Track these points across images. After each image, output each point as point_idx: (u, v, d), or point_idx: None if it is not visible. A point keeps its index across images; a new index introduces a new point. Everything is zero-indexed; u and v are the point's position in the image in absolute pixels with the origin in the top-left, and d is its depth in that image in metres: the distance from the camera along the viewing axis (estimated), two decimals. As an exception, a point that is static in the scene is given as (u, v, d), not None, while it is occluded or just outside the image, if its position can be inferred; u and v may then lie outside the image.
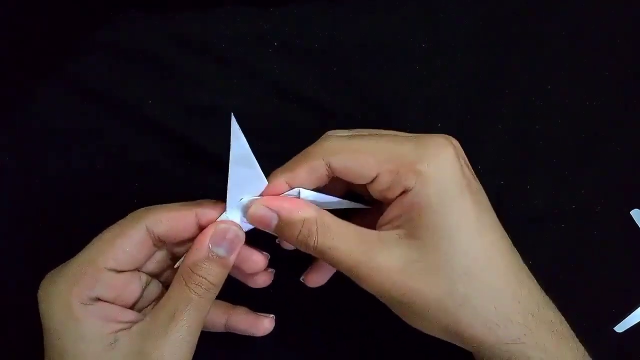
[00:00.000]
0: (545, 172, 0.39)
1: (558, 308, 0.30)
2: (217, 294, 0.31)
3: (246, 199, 0.31)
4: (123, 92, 0.40)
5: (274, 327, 0.35)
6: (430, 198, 0.27)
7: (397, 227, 0.29)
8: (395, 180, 0.28)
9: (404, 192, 0.28)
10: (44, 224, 0.39)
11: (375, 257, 0.28)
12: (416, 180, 0.28)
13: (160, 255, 0.33)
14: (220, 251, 0.30)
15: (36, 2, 0.41)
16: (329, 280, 0.36)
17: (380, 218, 0.30)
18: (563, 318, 0.30)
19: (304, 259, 0.38)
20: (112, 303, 0.30)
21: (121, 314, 0.30)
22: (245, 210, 0.31)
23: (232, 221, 0.31)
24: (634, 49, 0.41)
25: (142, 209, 0.32)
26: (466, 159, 0.31)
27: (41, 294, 0.29)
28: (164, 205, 0.32)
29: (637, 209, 0.39)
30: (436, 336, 0.29)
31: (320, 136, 0.32)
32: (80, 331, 0.28)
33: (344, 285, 0.34)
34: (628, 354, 0.38)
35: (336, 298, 0.38)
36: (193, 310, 0.29)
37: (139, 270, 0.32)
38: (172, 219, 0.31)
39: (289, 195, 0.31)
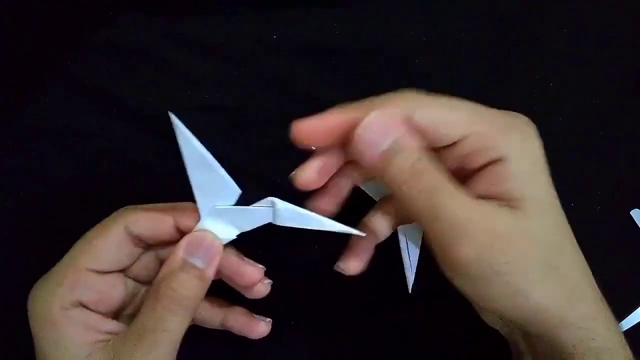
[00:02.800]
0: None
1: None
2: (195, 309, 0.29)
3: (222, 206, 0.29)
4: (123, 91, 0.40)
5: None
6: (526, 168, 0.27)
7: (492, 197, 0.27)
8: (485, 146, 0.26)
9: (491, 162, 0.27)
10: (44, 224, 0.39)
11: (481, 221, 0.26)
12: (512, 148, 0.26)
13: (148, 260, 0.32)
14: (197, 262, 0.28)
15: (36, 2, 0.41)
16: (330, 283, 0.36)
17: (468, 189, 0.28)
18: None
19: (301, 267, 0.38)
20: (95, 310, 0.29)
21: (102, 324, 0.29)
22: (225, 218, 0.29)
23: (208, 230, 0.29)
24: (634, 49, 0.41)
25: (124, 208, 0.31)
26: None
27: (29, 299, 0.29)
28: (145, 205, 0.31)
29: (637, 209, 0.39)
30: (509, 317, 0.27)
31: None
32: (60, 338, 0.28)
33: (344, 287, 0.34)
34: (628, 354, 0.38)
35: (336, 302, 0.38)
36: (163, 330, 0.27)
37: (125, 275, 0.31)
38: (150, 220, 0.30)
39: (260, 206, 0.29)
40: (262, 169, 0.39)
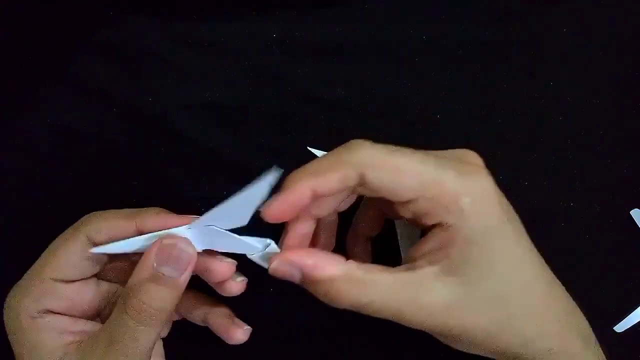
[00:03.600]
0: (544, 170, 0.39)
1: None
2: (168, 317, 0.28)
3: (217, 227, 0.28)
4: (123, 91, 0.40)
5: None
6: (471, 235, 0.26)
7: (434, 262, 0.27)
8: (434, 210, 0.26)
9: (440, 225, 0.27)
10: (44, 224, 0.39)
11: (417, 300, 0.27)
12: (458, 216, 0.26)
13: (120, 263, 0.31)
14: (168, 271, 0.27)
15: (36, 2, 0.41)
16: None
17: (413, 249, 0.28)
18: (587, 323, 0.30)
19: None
20: (66, 314, 0.29)
21: (74, 325, 0.29)
22: (211, 237, 0.28)
23: (180, 236, 0.28)
24: (634, 49, 0.41)
25: (86, 215, 0.30)
26: None
27: (4, 306, 0.30)
28: (106, 212, 0.30)
29: (637, 209, 0.39)
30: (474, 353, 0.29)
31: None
32: (33, 344, 0.28)
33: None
34: (628, 354, 0.38)
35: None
36: (132, 340, 0.27)
37: (99, 278, 0.31)
38: (111, 227, 0.29)
39: (177, 232, 0.28)
40: (263, 168, 0.39)
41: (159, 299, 0.27)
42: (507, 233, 0.27)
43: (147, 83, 0.40)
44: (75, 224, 0.30)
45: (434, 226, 0.27)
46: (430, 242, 0.27)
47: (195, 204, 0.38)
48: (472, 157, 0.29)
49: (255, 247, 0.29)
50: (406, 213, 0.27)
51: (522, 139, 0.40)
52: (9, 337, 0.29)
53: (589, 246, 0.39)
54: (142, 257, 0.28)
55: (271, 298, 0.37)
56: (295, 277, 0.27)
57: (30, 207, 0.39)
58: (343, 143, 0.39)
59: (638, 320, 0.38)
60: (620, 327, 0.38)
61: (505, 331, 0.27)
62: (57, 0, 0.41)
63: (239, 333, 0.32)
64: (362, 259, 0.35)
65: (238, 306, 0.35)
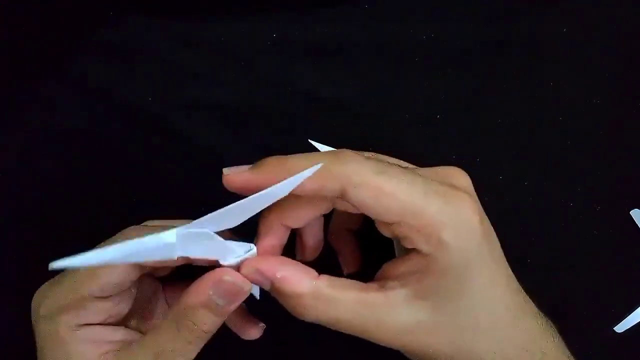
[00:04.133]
0: (544, 170, 0.39)
1: (558, 308, 0.30)
2: (207, 340, 0.29)
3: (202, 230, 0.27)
4: (123, 91, 0.40)
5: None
6: (448, 267, 0.26)
7: (406, 285, 0.27)
8: (414, 237, 0.26)
9: (417, 251, 0.26)
10: (44, 224, 0.39)
11: (383, 321, 0.27)
12: (436, 248, 0.26)
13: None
14: (220, 301, 0.28)
15: (36, 2, 0.41)
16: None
17: (392, 265, 0.28)
18: (563, 346, 0.30)
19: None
20: (103, 324, 0.30)
21: (110, 335, 0.30)
22: (190, 241, 0.27)
23: (238, 274, 0.28)
24: (634, 49, 0.41)
25: (128, 233, 0.30)
26: (477, 198, 0.29)
27: (33, 312, 0.29)
28: (146, 228, 0.30)
29: (637, 209, 0.39)
30: None
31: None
32: (69, 355, 0.28)
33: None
34: (628, 354, 0.38)
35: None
36: (179, 356, 0.28)
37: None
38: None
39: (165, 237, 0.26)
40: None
41: (209, 324, 0.28)
42: (485, 264, 0.27)
43: (147, 83, 0.40)
44: (120, 241, 0.29)
45: (412, 249, 0.27)
46: (406, 265, 0.27)
47: (195, 204, 0.38)
48: (460, 179, 0.28)
49: (235, 252, 0.28)
50: (385, 231, 0.27)
51: (522, 139, 0.40)
52: (42, 348, 0.29)
53: (589, 246, 0.39)
54: (198, 282, 0.28)
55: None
56: (265, 286, 0.28)
57: (30, 207, 0.39)
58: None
59: (638, 321, 0.38)
60: (621, 327, 0.38)
61: (466, 356, 0.28)
62: (57, 0, 0.41)
63: (254, 330, 0.33)
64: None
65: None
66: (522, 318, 0.29)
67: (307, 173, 0.25)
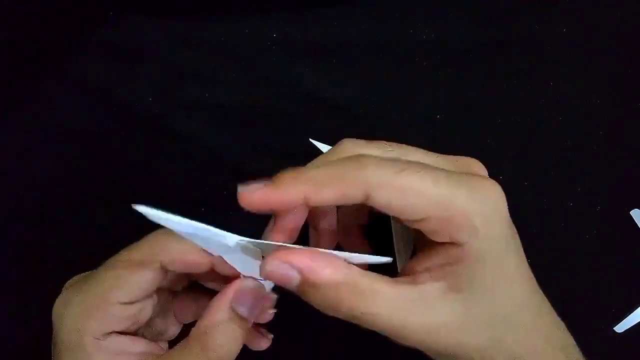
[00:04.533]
0: (544, 170, 0.39)
1: (558, 308, 0.30)
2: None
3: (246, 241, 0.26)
4: (123, 91, 0.40)
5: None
6: (481, 254, 0.26)
7: (438, 278, 0.26)
8: (445, 229, 0.25)
9: (450, 242, 0.26)
10: (44, 224, 0.39)
11: (418, 317, 0.26)
12: (471, 235, 0.25)
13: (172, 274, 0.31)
14: (242, 309, 0.27)
15: (36, 2, 0.41)
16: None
17: (417, 261, 0.27)
18: (568, 334, 0.30)
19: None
20: (126, 332, 0.29)
21: (132, 346, 0.29)
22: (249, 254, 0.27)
23: (257, 280, 0.27)
24: (634, 49, 0.41)
25: (156, 236, 0.29)
26: None
27: (56, 316, 0.29)
28: (178, 239, 0.28)
29: (637, 209, 0.39)
30: None
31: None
32: None
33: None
34: (628, 354, 0.38)
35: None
36: None
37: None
38: (187, 262, 0.28)
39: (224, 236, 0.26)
40: (263, 168, 0.39)
41: (234, 342, 0.27)
42: (510, 252, 0.27)
43: (147, 83, 0.40)
44: (148, 247, 0.28)
45: (443, 244, 0.26)
46: (437, 258, 0.27)
47: (195, 204, 0.38)
48: (479, 168, 0.29)
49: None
50: (413, 226, 0.26)
51: (522, 139, 0.40)
52: (63, 356, 0.28)
53: (589, 246, 0.39)
54: (218, 296, 0.27)
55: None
56: (293, 281, 0.25)
57: (30, 207, 0.39)
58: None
59: (638, 321, 0.38)
60: (621, 327, 0.38)
61: (498, 351, 0.27)
62: (57, 0, 0.41)
63: (263, 342, 0.32)
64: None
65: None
66: (541, 319, 0.28)
67: (375, 259, 0.26)
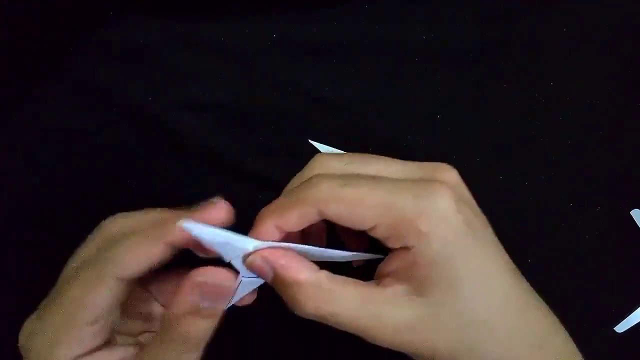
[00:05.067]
0: (544, 170, 0.39)
1: (558, 308, 0.30)
2: (204, 345, 0.28)
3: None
4: (123, 91, 0.40)
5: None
6: (433, 256, 0.26)
7: (401, 281, 0.27)
8: (394, 235, 0.27)
9: (403, 247, 0.27)
10: (44, 224, 0.39)
11: (383, 319, 0.27)
12: (417, 239, 0.26)
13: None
14: (207, 304, 0.27)
15: (36, 2, 0.41)
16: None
17: (381, 265, 0.29)
18: (571, 342, 0.29)
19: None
20: (95, 350, 0.29)
21: (108, 357, 0.29)
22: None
23: (220, 269, 0.27)
24: (634, 49, 0.41)
25: (104, 250, 0.29)
26: (467, 192, 0.29)
27: (22, 350, 0.29)
28: (123, 244, 0.28)
29: (637, 209, 0.39)
30: None
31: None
32: None
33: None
34: (628, 354, 0.38)
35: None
36: None
37: None
38: (139, 260, 0.28)
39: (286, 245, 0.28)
40: (263, 168, 0.39)
41: (202, 329, 0.27)
42: (474, 252, 0.27)
43: (147, 83, 0.40)
44: (98, 262, 0.28)
45: (398, 249, 0.27)
46: (396, 262, 0.27)
47: (195, 204, 0.38)
48: (445, 173, 0.29)
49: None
50: (370, 234, 0.28)
51: (522, 139, 0.40)
52: None
53: (589, 246, 0.39)
54: (180, 289, 0.27)
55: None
56: (268, 275, 0.28)
57: (31, 207, 0.39)
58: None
59: (638, 321, 0.38)
60: (621, 327, 0.38)
61: (469, 354, 0.27)
62: (57, 0, 0.41)
63: (248, 295, 0.31)
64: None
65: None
66: (527, 311, 0.28)
67: (367, 256, 0.29)
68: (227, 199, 0.29)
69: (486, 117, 0.40)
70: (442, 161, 0.32)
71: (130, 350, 0.30)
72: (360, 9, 0.41)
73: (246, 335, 0.37)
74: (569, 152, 0.40)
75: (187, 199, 0.39)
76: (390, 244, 0.27)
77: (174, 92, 0.40)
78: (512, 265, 0.29)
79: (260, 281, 0.29)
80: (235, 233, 0.27)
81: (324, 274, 0.28)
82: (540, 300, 0.29)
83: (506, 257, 0.29)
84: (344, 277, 0.28)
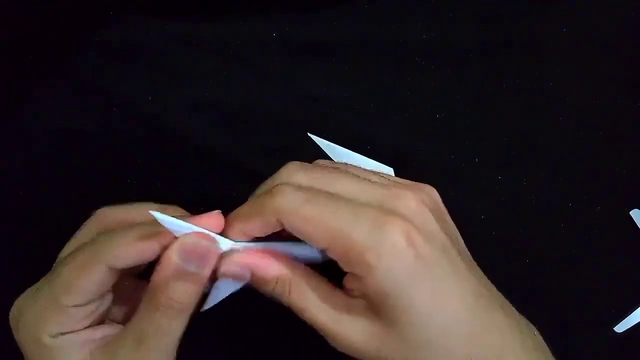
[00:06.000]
0: (544, 170, 0.39)
1: (558, 308, 0.30)
2: (190, 312, 0.29)
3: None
4: (123, 91, 0.40)
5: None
6: (383, 287, 0.27)
7: (361, 297, 0.28)
8: (344, 262, 0.27)
9: (354, 274, 0.28)
10: (44, 224, 0.39)
11: (342, 324, 0.28)
12: (366, 271, 0.27)
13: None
14: (191, 267, 0.28)
15: (36, 2, 0.41)
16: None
17: (345, 278, 0.29)
18: (548, 351, 0.30)
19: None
20: (85, 327, 0.29)
21: (94, 334, 0.29)
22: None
23: (202, 233, 0.28)
24: (634, 49, 0.41)
25: (100, 234, 0.30)
26: (429, 218, 0.29)
27: (12, 322, 0.29)
28: (122, 232, 0.29)
29: (637, 209, 0.39)
30: None
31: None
32: (54, 358, 0.28)
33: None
34: (628, 354, 0.38)
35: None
36: (163, 335, 0.28)
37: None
38: (133, 253, 0.29)
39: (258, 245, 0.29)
40: (263, 168, 0.39)
41: (185, 295, 0.28)
42: (423, 282, 0.27)
43: (147, 83, 0.40)
44: (92, 247, 0.29)
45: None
46: (352, 281, 0.28)
47: (195, 203, 0.38)
48: (404, 199, 0.28)
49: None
50: (326, 253, 0.28)
51: (522, 139, 0.40)
52: (28, 354, 0.29)
53: (589, 246, 0.39)
54: (165, 254, 0.28)
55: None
56: (246, 277, 0.29)
57: (30, 207, 0.39)
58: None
59: (638, 321, 0.38)
60: (621, 327, 0.38)
61: None
62: (57, 0, 0.41)
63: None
64: None
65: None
66: (483, 333, 0.28)
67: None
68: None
69: (486, 117, 0.40)
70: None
71: (116, 327, 0.31)
72: (360, 9, 0.41)
73: (244, 335, 0.37)
74: (569, 152, 0.40)
75: (187, 199, 0.39)
76: (342, 266, 0.28)
77: (174, 91, 0.40)
78: (474, 285, 0.29)
79: (235, 286, 0.29)
80: (211, 231, 0.28)
81: (302, 271, 0.29)
82: (509, 314, 0.29)
83: (469, 277, 0.28)
84: (319, 277, 0.29)
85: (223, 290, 0.29)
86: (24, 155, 0.40)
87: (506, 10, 0.41)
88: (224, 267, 0.29)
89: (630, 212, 0.39)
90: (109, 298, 0.30)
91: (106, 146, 0.39)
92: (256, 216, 0.28)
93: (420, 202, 0.29)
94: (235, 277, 0.29)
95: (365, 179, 0.30)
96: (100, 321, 0.31)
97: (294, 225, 0.27)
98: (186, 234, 0.28)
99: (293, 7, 0.40)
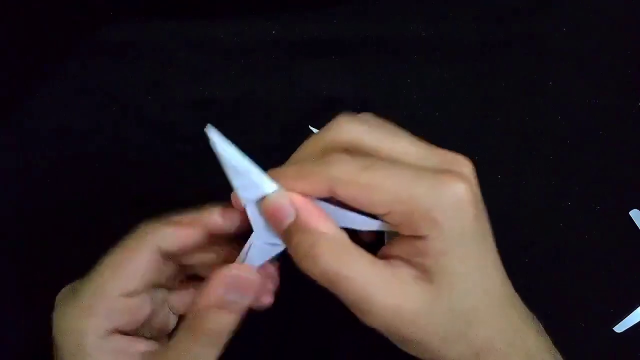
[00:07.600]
0: (544, 170, 0.39)
1: (558, 308, 0.30)
2: (227, 341, 0.29)
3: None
4: (123, 91, 0.40)
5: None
6: (445, 246, 0.26)
7: (409, 265, 0.27)
8: (407, 223, 0.27)
9: (415, 235, 0.27)
10: (44, 224, 0.39)
11: (389, 297, 0.26)
12: (431, 229, 0.26)
13: (167, 267, 0.31)
14: (234, 297, 0.28)
15: (36, 2, 0.41)
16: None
17: (390, 247, 0.28)
18: (545, 338, 0.30)
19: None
20: (125, 332, 0.29)
21: (132, 345, 0.29)
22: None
23: (246, 265, 0.28)
24: (634, 49, 0.41)
25: (146, 225, 0.30)
26: (477, 187, 0.29)
27: (55, 322, 0.29)
28: (170, 220, 0.30)
29: (636, 209, 0.39)
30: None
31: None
32: None
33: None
34: (628, 354, 0.38)
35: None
36: None
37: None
38: (180, 236, 0.29)
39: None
40: (264, 168, 0.39)
41: (225, 324, 0.28)
42: (476, 247, 0.27)
43: (147, 83, 0.40)
44: (140, 234, 0.29)
45: (409, 236, 0.27)
46: (406, 248, 0.27)
47: (195, 203, 0.38)
48: (462, 166, 0.28)
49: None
50: (381, 218, 0.28)
51: (522, 139, 0.40)
52: (61, 355, 0.28)
53: (589, 246, 0.39)
54: (208, 283, 0.28)
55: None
56: (288, 218, 0.27)
57: (31, 207, 0.39)
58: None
59: (638, 320, 0.38)
60: (620, 327, 0.38)
61: (460, 341, 0.27)
62: (57, 0, 0.41)
63: (266, 297, 0.31)
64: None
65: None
66: (510, 310, 0.29)
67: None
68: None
69: (486, 116, 0.40)
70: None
71: (153, 345, 0.31)
72: (360, 8, 0.41)
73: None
74: (569, 152, 0.40)
75: (187, 198, 0.39)
76: (402, 230, 0.27)
77: (174, 91, 0.40)
78: (502, 267, 0.29)
79: (271, 252, 0.29)
80: (258, 167, 0.28)
81: (346, 234, 0.27)
82: (520, 300, 0.30)
83: (497, 255, 0.29)
84: (358, 246, 0.27)
85: (257, 256, 0.29)
86: (24, 155, 0.40)
87: (506, 10, 0.41)
88: (271, 199, 0.28)
89: (630, 212, 0.39)
90: (148, 301, 0.30)
91: (106, 146, 0.39)
92: (306, 181, 0.27)
93: (473, 169, 0.29)
94: (273, 216, 0.28)
95: (418, 143, 0.29)
96: (143, 332, 0.30)
97: (350, 194, 0.26)
98: (232, 267, 0.28)
99: (293, 7, 0.40)
